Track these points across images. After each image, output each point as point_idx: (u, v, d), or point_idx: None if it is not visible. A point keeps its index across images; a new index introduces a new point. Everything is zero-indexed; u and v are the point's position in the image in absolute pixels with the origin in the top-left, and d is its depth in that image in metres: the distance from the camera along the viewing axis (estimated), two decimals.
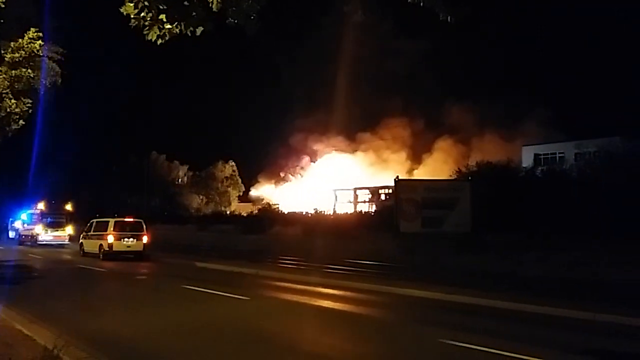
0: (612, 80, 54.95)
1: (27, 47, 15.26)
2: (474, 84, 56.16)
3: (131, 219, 27.00)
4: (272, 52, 69.08)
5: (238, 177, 67.65)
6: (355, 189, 55.61)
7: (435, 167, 51.96)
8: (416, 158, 59.06)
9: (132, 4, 5.22)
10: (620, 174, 22.80)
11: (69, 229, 38.26)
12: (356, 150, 61.57)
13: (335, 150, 61.70)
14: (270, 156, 66.02)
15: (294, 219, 40.15)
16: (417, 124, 59.33)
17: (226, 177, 66.85)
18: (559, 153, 44.31)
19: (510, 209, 22.73)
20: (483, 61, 56.63)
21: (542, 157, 45.48)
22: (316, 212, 42.22)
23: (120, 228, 26.03)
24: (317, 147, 63.22)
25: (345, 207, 51.68)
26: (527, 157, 44.46)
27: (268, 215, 43.27)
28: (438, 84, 55.61)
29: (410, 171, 55.51)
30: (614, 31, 58.15)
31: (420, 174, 52.08)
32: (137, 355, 8.02)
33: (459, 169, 30.65)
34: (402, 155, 60.05)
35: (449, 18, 5.72)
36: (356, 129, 62.12)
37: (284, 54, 63.00)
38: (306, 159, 65.06)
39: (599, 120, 45.31)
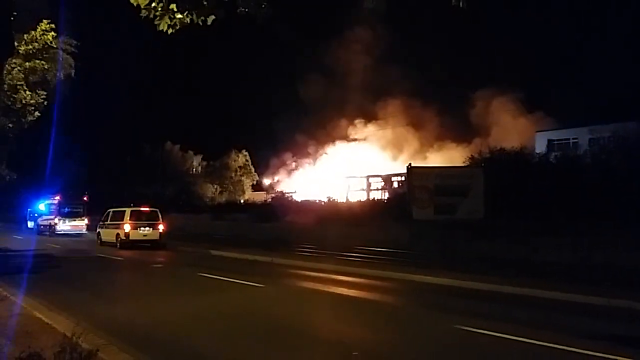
0: (627, 64, 54.17)
1: (41, 39, 15.44)
2: (485, 69, 55.75)
3: (147, 209, 27.18)
4: (285, 39, 68.96)
5: (251, 166, 67.76)
6: (368, 176, 55.49)
7: (448, 154, 51.72)
8: (429, 145, 58.84)
9: None
10: (635, 159, 22.53)
11: (87, 219, 38.68)
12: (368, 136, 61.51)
13: (347, 140, 61.73)
14: (283, 145, 66.22)
15: (307, 207, 40.16)
16: (430, 110, 59.15)
17: (239, 167, 66.95)
18: (573, 139, 43.69)
19: (523, 196, 22.57)
20: (494, 46, 56.11)
21: (555, 143, 44.88)
22: (329, 200, 42.26)
23: (137, 217, 26.29)
24: (330, 134, 63.26)
25: (358, 195, 51.62)
26: (540, 143, 43.96)
27: (281, 203, 43.35)
28: (451, 70, 55.34)
29: (423, 158, 55.28)
30: (626, 14, 57.13)
31: (434, 161, 51.86)
32: (155, 342, 8.13)
33: (471, 155, 30.42)
34: (415, 142, 59.86)
35: (460, 3, 5.71)
36: (370, 114, 62.16)
37: (296, 43, 62.81)
38: (319, 147, 65.09)
39: (613, 104, 44.65)
